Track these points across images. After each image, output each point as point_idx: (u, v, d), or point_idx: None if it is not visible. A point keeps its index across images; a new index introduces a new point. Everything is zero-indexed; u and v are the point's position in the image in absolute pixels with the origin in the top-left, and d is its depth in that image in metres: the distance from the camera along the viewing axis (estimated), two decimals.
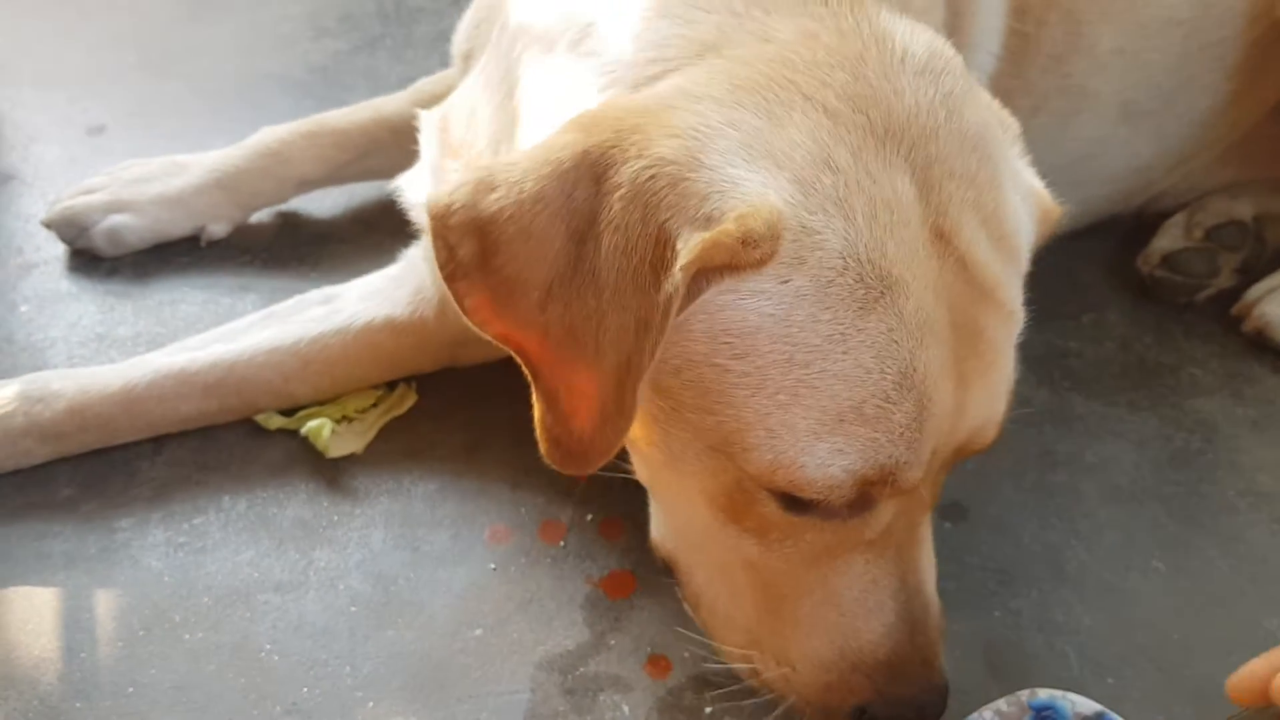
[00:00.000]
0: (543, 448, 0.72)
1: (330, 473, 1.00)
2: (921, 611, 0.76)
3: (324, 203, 1.28)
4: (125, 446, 1.01)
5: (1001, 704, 0.78)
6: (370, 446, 1.02)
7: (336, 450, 1.00)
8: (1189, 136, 1.17)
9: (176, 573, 0.92)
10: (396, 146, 1.20)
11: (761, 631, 0.79)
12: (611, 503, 0.99)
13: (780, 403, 0.67)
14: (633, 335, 0.65)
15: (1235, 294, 1.18)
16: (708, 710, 0.86)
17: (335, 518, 0.97)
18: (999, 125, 0.76)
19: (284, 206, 1.26)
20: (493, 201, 0.68)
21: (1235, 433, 1.07)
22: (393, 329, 1.03)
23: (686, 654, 0.89)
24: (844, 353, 0.66)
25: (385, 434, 1.03)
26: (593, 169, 0.66)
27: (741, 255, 0.64)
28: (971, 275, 0.69)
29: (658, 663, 0.89)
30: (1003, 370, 0.73)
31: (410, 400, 1.06)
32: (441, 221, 0.69)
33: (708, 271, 0.65)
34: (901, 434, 0.68)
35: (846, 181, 0.66)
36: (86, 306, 1.15)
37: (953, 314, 0.69)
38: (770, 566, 0.76)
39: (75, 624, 0.89)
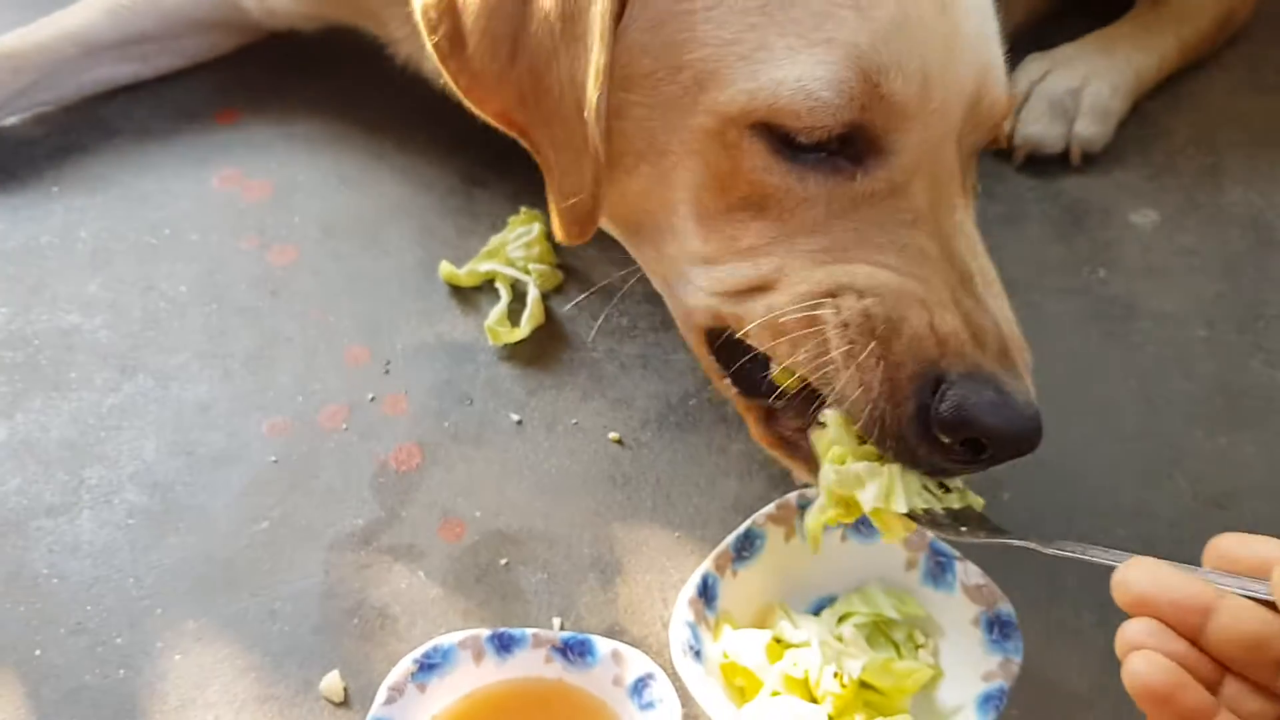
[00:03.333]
0: (557, 228, 0.76)
1: (89, 389, 0.96)
2: (993, 309, 0.71)
3: (58, 111, 1.20)
4: None
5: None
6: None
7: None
8: None
9: None
10: (89, 61, 1.16)
11: (822, 275, 0.71)
12: (393, 381, 0.98)
13: (751, 24, 0.68)
14: (581, 61, 0.70)
15: None
16: (503, 562, 0.87)
17: (103, 434, 0.93)
18: None
19: (16, 123, 1.18)
20: None
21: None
22: None
23: (478, 513, 0.90)
24: None
25: None
26: None
27: None
28: None
29: (451, 526, 0.89)
30: (984, 6, 0.74)
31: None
32: (424, 10, 0.75)
33: None
34: (884, 37, 0.67)
35: None
36: None
37: None
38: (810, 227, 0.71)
39: None
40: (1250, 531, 0.91)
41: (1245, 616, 0.48)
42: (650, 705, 0.73)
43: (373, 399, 0.97)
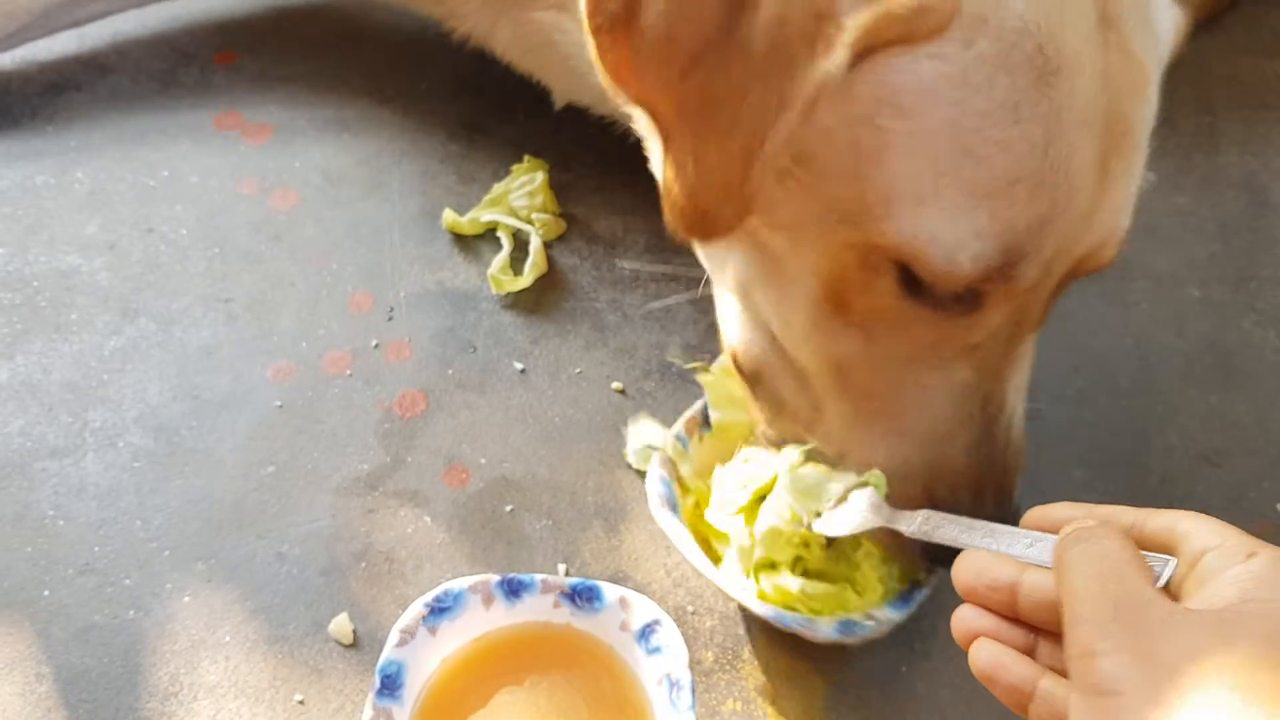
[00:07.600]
0: (666, 213, 0.69)
1: (90, 332, 0.96)
2: (1004, 434, 0.73)
3: (52, 48, 1.18)
4: None
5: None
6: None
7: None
8: None
9: None
10: None
11: (846, 441, 0.76)
12: (396, 328, 0.98)
13: (937, 169, 0.63)
14: (772, 113, 0.62)
15: None
16: (508, 509, 0.88)
17: (105, 376, 0.93)
18: None
19: (8, 61, 1.16)
20: None
21: None
22: None
23: (483, 460, 0.91)
24: (1014, 122, 0.62)
25: None
26: None
27: (916, 24, 0.61)
28: (1130, 66, 0.66)
29: (456, 473, 0.90)
30: (1139, 173, 0.69)
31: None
32: None
33: (877, 45, 0.62)
34: (1041, 221, 0.64)
35: None
36: None
37: (1110, 105, 0.65)
38: (869, 364, 0.72)
39: None
40: (1240, 489, 0.93)
41: (1043, 585, 0.55)
42: (657, 650, 0.74)
43: (376, 345, 0.97)
